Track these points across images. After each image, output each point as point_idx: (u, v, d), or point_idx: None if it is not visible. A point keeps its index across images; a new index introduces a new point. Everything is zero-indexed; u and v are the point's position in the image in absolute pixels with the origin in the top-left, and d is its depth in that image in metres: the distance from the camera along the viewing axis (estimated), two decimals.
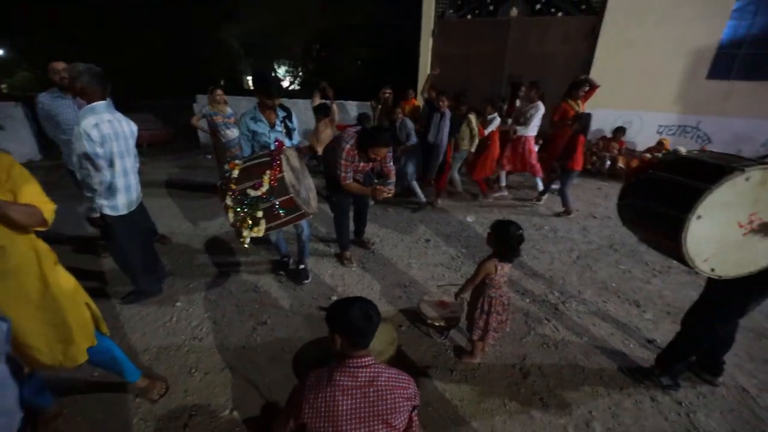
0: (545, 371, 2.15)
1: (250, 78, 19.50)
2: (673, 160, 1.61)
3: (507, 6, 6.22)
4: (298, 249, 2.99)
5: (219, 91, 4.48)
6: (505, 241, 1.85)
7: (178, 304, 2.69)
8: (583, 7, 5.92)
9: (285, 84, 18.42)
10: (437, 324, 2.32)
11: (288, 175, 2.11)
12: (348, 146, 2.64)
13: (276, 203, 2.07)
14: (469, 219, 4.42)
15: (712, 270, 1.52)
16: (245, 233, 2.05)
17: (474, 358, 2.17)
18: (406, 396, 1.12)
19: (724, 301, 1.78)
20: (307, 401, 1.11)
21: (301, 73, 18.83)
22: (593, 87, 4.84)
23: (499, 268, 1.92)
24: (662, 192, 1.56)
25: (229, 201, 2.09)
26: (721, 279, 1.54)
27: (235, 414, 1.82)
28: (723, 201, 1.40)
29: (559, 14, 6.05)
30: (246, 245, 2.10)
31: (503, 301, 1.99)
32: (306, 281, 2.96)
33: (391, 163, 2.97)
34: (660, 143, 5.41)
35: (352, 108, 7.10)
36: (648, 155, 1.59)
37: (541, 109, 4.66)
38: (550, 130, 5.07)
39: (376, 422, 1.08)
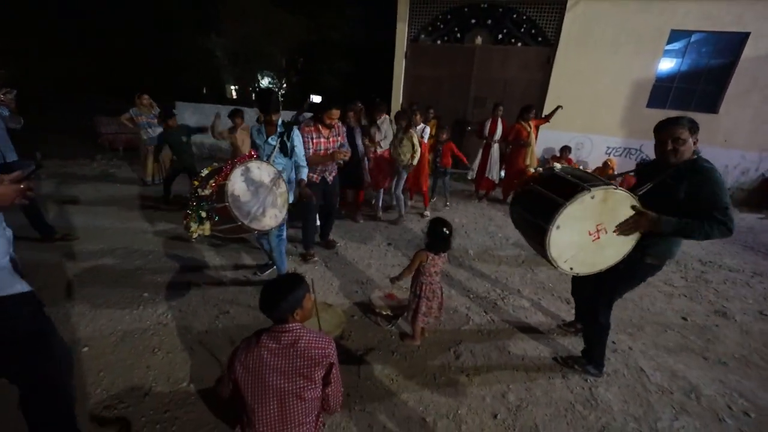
0: (476, 354, 2.46)
1: (233, 87, 19.61)
2: (549, 175, 1.95)
3: (472, 34, 6.79)
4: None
5: (145, 96, 5.49)
6: (433, 234, 2.18)
7: (146, 294, 2.86)
8: (540, 39, 6.56)
9: None
10: (384, 313, 2.60)
11: (235, 186, 2.18)
12: (304, 126, 3.11)
13: (213, 207, 2.14)
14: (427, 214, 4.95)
15: (571, 269, 1.86)
16: (193, 227, 2.17)
17: (415, 341, 2.45)
18: (323, 354, 1.35)
19: (615, 286, 2.12)
20: (239, 361, 1.34)
21: (285, 85, 19.18)
22: (545, 118, 5.53)
23: (430, 258, 2.23)
24: (535, 203, 1.89)
25: (189, 195, 2.28)
26: (578, 275, 1.90)
27: (191, 386, 2.02)
28: (575, 215, 1.72)
29: (519, 44, 6.66)
30: (193, 239, 2.26)
31: (433, 289, 2.29)
32: None
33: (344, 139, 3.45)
34: (605, 164, 6.00)
35: None
36: (532, 169, 1.91)
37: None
38: (508, 149, 5.56)
39: (296, 377, 1.31)
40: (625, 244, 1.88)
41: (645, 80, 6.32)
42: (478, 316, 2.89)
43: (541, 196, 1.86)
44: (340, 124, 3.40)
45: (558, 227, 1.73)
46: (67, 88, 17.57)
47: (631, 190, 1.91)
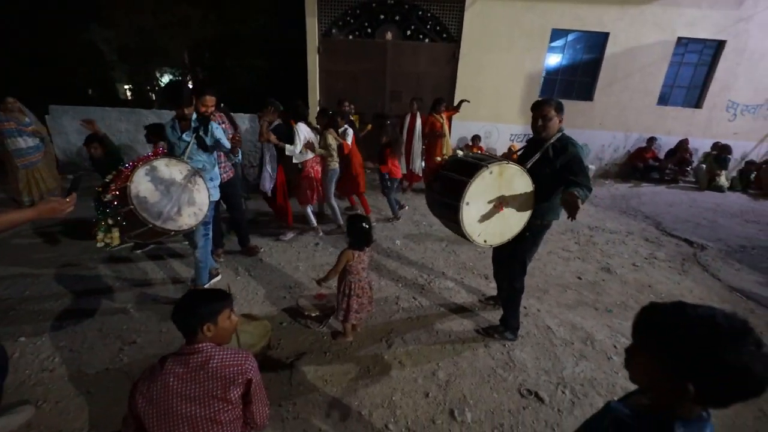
0: (406, 339, 2.55)
1: (126, 87, 17.24)
2: (454, 160, 2.15)
3: (382, 30, 6.93)
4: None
5: (10, 100, 4.71)
6: (353, 232, 2.18)
7: (22, 338, 2.38)
8: (444, 35, 6.97)
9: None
10: (314, 314, 2.55)
11: (139, 187, 2.08)
12: None
13: (119, 212, 2.04)
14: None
15: (485, 242, 2.09)
16: (99, 236, 2.04)
17: (347, 338, 2.44)
18: (239, 371, 1.24)
19: (524, 252, 2.36)
20: (140, 392, 1.17)
21: (190, 82, 17.48)
22: (454, 109, 5.82)
23: (356, 255, 2.24)
24: (445, 186, 2.07)
25: (93, 203, 2.12)
26: (492, 247, 2.14)
27: None
28: (479, 190, 1.94)
29: (426, 40, 6.99)
30: (104, 247, 2.07)
31: (363, 285, 2.31)
32: None
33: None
34: (509, 149, 6.63)
35: (244, 120, 6.96)
36: (438, 158, 2.11)
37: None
38: (425, 142, 5.81)
39: (209, 400, 1.19)
40: (524, 213, 2.13)
41: (536, 73, 7.13)
42: (407, 302, 3.00)
43: (450, 179, 2.04)
44: (223, 114, 3.30)
45: (467, 203, 1.93)
46: None
47: (520, 163, 2.17)
